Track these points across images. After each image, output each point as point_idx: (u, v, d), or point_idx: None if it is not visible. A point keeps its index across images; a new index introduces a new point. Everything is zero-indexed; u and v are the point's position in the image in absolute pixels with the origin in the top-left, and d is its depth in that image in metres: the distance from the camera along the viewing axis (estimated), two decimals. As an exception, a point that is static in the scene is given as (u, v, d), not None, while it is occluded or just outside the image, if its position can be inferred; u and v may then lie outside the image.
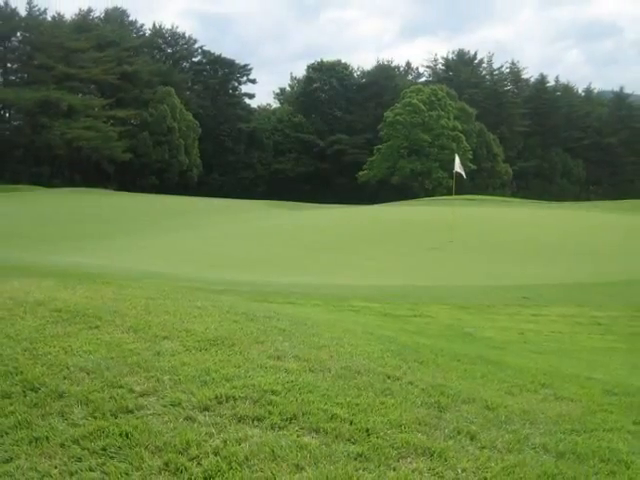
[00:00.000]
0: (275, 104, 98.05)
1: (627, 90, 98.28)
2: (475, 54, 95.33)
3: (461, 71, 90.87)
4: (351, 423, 3.62)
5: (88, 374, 4.23)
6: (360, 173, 74.90)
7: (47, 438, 3.45)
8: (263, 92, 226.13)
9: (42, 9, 79.64)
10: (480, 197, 51.29)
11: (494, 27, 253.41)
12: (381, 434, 3.51)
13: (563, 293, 13.56)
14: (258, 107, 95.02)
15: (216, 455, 3.23)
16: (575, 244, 23.64)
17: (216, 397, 3.86)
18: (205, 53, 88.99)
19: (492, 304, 11.68)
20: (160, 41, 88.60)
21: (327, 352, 4.97)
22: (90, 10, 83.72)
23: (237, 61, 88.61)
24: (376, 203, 50.93)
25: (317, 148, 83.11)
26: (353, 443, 3.41)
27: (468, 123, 77.35)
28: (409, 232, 27.12)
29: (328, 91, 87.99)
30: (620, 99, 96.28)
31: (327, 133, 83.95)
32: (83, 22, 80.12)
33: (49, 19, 78.94)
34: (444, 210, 32.37)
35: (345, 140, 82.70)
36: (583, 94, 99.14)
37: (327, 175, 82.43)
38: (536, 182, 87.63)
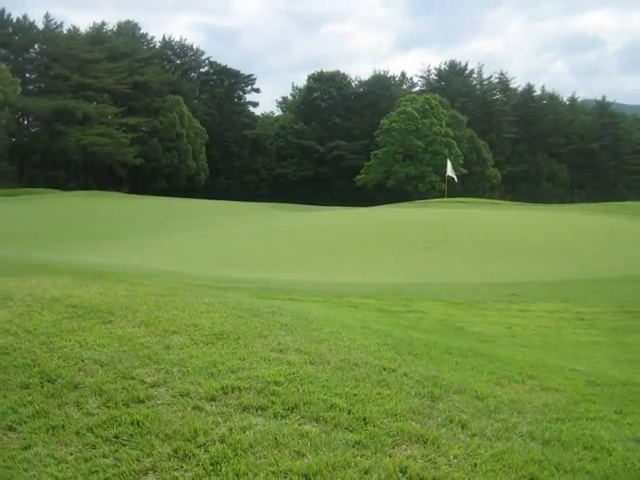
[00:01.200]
0: (278, 112, 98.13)
1: (609, 99, 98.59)
2: (466, 65, 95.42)
3: (453, 81, 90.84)
4: (349, 412, 3.62)
5: (102, 366, 4.23)
6: (358, 177, 74.89)
7: (63, 426, 3.45)
8: (266, 101, 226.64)
9: (58, 22, 79.85)
10: (471, 200, 51.22)
11: (484, 40, 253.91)
12: (377, 423, 3.52)
13: (549, 290, 13.56)
14: (262, 115, 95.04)
15: (222, 442, 3.23)
16: (560, 244, 23.63)
17: (222, 388, 3.86)
18: (212, 64, 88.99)
19: (482, 300, 11.67)
20: (169, 53, 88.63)
21: (327, 345, 4.97)
22: (104, 23, 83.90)
23: (242, 72, 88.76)
24: (373, 205, 50.93)
25: (317, 153, 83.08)
26: (351, 431, 3.41)
27: (459, 130, 77.31)
28: (404, 232, 27.11)
29: (328, 100, 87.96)
30: (602, 107, 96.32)
31: (327, 139, 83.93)
32: (97, 35, 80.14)
33: (65, 32, 79.05)
34: (437, 212, 32.40)
35: (344, 146, 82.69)
36: (567, 103, 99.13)
37: (327, 179, 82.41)
38: (523, 185, 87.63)
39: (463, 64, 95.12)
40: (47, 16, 78.37)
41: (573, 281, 15.05)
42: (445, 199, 38.10)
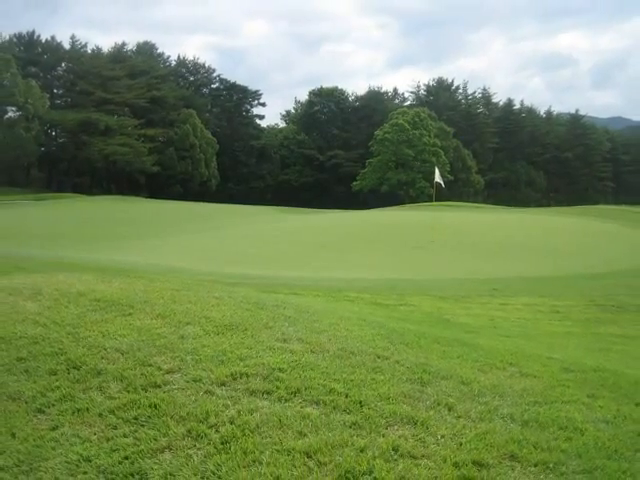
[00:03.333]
0: (282, 124, 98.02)
1: (582, 112, 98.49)
2: (452, 81, 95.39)
3: (440, 96, 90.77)
4: (347, 396, 3.61)
5: (122, 354, 4.22)
6: (354, 183, 74.87)
7: (87, 409, 3.45)
8: (271, 114, 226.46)
9: (83, 43, 79.92)
10: (456, 204, 51.16)
11: (469, 58, 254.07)
12: (372, 405, 3.51)
13: (528, 285, 13.54)
14: (267, 127, 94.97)
15: (232, 424, 3.23)
16: (537, 243, 23.60)
17: (231, 374, 3.86)
18: (222, 81, 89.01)
19: (467, 295, 11.65)
20: (184, 70, 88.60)
21: (326, 336, 4.96)
22: (124, 44, 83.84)
23: (249, 87, 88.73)
24: (368, 209, 50.86)
25: (317, 161, 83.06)
26: (348, 413, 3.41)
27: (446, 140, 77.25)
28: (396, 233, 27.08)
29: (327, 113, 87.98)
30: (575, 120, 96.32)
31: (326, 149, 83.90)
32: (118, 54, 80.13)
33: (89, 51, 79.14)
34: (426, 215, 32.36)
35: (341, 155, 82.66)
36: (544, 115, 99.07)
37: (326, 185, 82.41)
38: (504, 190, 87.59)
39: (450, 80, 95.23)
40: (73, 37, 78.62)
41: (549, 277, 15.03)
42: (433, 203, 38.07)
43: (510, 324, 9.28)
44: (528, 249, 22.02)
